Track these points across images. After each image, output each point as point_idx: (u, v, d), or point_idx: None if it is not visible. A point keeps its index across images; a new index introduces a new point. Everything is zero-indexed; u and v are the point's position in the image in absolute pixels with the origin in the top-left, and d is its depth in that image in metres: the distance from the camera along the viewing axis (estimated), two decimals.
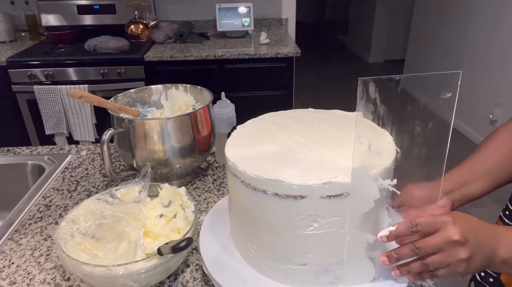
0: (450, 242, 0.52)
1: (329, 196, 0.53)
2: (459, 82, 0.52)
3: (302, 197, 0.54)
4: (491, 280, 0.78)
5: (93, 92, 2.09)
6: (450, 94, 0.54)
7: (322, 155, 0.60)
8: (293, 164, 0.57)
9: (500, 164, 0.71)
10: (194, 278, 0.70)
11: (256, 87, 2.41)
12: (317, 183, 0.52)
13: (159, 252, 0.62)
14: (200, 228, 0.73)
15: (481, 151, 0.74)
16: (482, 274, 0.80)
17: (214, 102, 1.00)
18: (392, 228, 0.55)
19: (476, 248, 0.53)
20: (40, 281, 0.70)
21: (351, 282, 0.60)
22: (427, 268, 0.54)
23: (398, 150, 0.60)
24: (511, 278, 0.75)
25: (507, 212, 0.77)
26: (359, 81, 0.51)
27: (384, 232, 0.56)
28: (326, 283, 0.61)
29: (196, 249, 0.76)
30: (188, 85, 1.02)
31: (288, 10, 2.86)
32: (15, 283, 0.70)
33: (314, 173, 0.54)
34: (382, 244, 0.59)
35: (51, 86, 2.17)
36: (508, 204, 0.77)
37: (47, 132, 2.27)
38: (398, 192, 0.56)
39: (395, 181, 0.56)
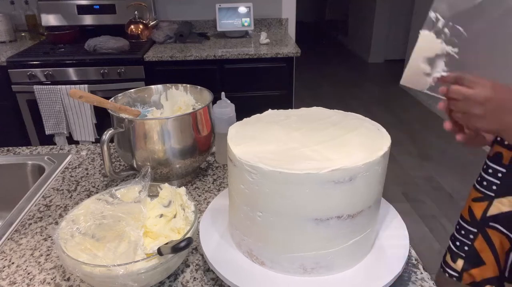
0: (472, 98, 0.63)
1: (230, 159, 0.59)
2: None
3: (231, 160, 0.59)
4: (466, 248, 0.80)
5: (93, 92, 2.09)
6: None
7: (321, 154, 0.60)
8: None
9: None
10: (194, 278, 0.70)
11: (256, 87, 2.41)
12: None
13: (159, 252, 0.62)
14: (199, 221, 0.73)
15: None
16: (457, 243, 0.82)
17: (214, 102, 1.00)
18: (444, 74, 0.68)
19: (495, 112, 0.63)
20: (40, 281, 0.70)
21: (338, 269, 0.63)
22: (452, 106, 0.66)
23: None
24: (483, 245, 0.77)
25: (479, 178, 0.81)
26: None
27: (438, 74, 0.68)
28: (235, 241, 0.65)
29: (196, 249, 0.76)
30: (188, 85, 1.02)
31: (288, 10, 2.86)
32: (15, 283, 0.70)
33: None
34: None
35: (51, 86, 2.17)
36: (482, 172, 0.81)
37: (47, 132, 2.27)
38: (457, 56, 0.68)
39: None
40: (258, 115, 0.75)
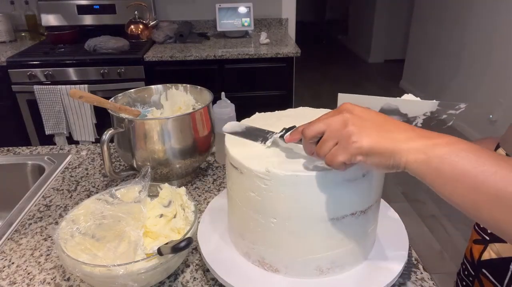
0: (339, 109, 0.51)
1: (231, 164, 0.60)
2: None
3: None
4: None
5: (93, 92, 2.09)
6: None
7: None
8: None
9: None
10: (194, 278, 0.70)
11: (256, 87, 2.41)
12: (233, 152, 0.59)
13: (159, 252, 0.62)
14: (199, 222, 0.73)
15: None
16: (464, 283, 0.80)
17: (214, 102, 1.00)
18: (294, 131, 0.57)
19: (368, 124, 0.48)
20: (40, 281, 0.70)
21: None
22: (314, 130, 0.51)
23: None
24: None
25: (463, 267, 0.78)
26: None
27: (287, 134, 0.58)
28: (237, 245, 0.65)
29: (196, 249, 0.76)
30: (188, 85, 1.02)
31: (288, 10, 2.86)
32: (15, 283, 0.70)
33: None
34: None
35: (51, 86, 2.17)
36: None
37: (47, 132, 2.27)
38: None
39: None
40: (247, 119, 0.73)
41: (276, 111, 0.77)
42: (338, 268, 0.63)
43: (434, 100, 0.60)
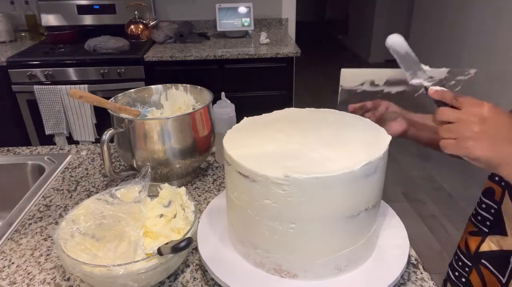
0: (466, 118, 0.54)
1: (239, 173, 0.57)
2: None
3: (229, 164, 0.58)
4: (463, 280, 0.79)
5: (93, 92, 2.09)
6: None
7: (321, 154, 0.60)
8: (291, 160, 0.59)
9: None
10: (194, 278, 0.70)
11: (256, 87, 2.41)
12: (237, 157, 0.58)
13: (159, 252, 0.62)
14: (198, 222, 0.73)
15: None
16: (456, 273, 0.80)
17: (214, 102, 1.00)
18: (445, 89, 0.59)
19: (492, 137, 0.54)
20: (40, 281, 0.70)
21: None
22: (442, 132, 0.56)
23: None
24: (478, 280, 0.75)
25: (474, 212, 0.79)
26: None
27: (437, 87, 0.59)
28: (242, 252, 0.64)
29: (196, 249, 0.76)
30: (188, 85, 1.02)
31: (288, 10, 2.86)
32: (15, 283, 0.69)
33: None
34: None
35: (51, 86, 2.17)
36: (476, 206, 0.78)
37: (47, 132, 2.27)
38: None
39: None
40: (237, 125, 0.71)
41: (264, 114, 0.75)
42: (353, 265, 0.64)
43: (444, 68, 0.60)
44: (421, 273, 0.70)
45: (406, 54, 0.63)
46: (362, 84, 0.70)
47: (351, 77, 0.71)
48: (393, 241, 0.70)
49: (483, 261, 0.73)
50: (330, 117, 0.73)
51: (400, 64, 0.63)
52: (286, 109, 0.76)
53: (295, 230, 0.58)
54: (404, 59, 0.63)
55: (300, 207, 0.57)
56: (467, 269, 0.77)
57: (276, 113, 0.75)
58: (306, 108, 0.76)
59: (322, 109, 0.76)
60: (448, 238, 2.24)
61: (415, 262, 0.72)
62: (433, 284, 0.68)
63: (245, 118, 0.73)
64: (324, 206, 0.57)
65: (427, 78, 0.62)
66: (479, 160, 0.54)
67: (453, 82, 0.61)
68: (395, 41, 0.63)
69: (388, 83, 0.65)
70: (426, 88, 0.60)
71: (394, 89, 0.68)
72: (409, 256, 0.72)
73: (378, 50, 5.39)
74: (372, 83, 0.69)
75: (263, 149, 0.63)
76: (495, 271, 0.70)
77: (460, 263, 0.79)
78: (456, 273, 0.81)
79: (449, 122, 0.55)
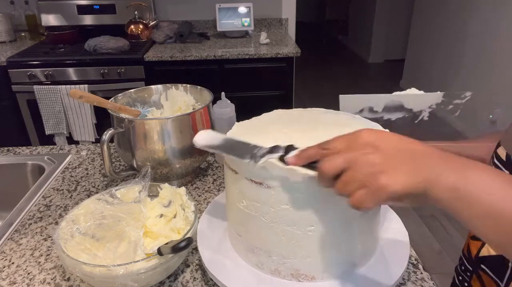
0: (356, 143, 0.45)
1: (251, 180, 0.55)
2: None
3: (236, 172, 0.56)
4: (465, 284, 0.79)
5: (93, 92, 2.09)
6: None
7: None
8: None
9: None
10: (194, 278, 0.70)
11: (256, 87, 2.41)
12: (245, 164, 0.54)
13: (159, 252, 0.62)
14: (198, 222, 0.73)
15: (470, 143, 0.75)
16: (460, 278, 0.80)
17: (214, 102, 1.00)
18: (301, 148, 0.49)
19: (394, 155, 0.43)
20: (40, 281, 0.70)
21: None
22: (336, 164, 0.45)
23: None
24: (478, 285, 0.75)
25: (460, 261, 0.78)
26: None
27: (291, 154, 0.49)
28: (253, 262, 0.63)
29: (196, 249, 0.76)
30: (188, 85, 1.02)
31: (288, 10, 2.86)
32: (15, 283, 0.70)
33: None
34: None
35: (51, 86, 2.17)
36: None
37: (47, 132, 2.27)
38: None
39: None
40: (231, 131, 0.68)
41: (253, 118, 0.71)
42: (365, 259, 0.64)
43: (438, 92, 0.59)
44: (421, 273, 0.70)
45: (225, 141, 0.57)
46: (361, 111, 0.69)
47: (350, 104, 0.70)
48: (394, 238, 0.71)
49: (482, 266, 0.72)
50: (323, 116, 0.71)
51: (230, 154, 0.56)
52: (275, 111, 0.73)
53: (314, 232, 0.57)
54: (230, 148, 0.56)
55: (320, 208, 0.56)
56: (468, 273, 0.77)
57: (266, 115, 0.72)
58: (294, 109, 0.74)
59: (309, 108, 0.73)
60: (448, 238, 2.24)
61: (415, 262, 0.72)
62: (433, 284, 0.68)
63: (236, 123, 0.71)
64: (339, 205, 0.56)
65: (267, 151, 0.52)
66: (407, 194, 0.42)
67: (451, 106, 0.60)
68: (205, 139, 0.58)
69: (387, 109, 0.65)
70: (283, 160, 0.50)
71: (394, 116, 0.67)
72: (409, 256, 0.72)
73: (378, 50, 5.40)
74: (371, 110, 0.68)
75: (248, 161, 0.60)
76: (493, 276, 0.70)
77: (463, 268, 0.79)
78: (460, 278, 0.81)
79: (338, 175, 0.45)
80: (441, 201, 0.42)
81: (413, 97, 0.61)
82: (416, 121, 0.63)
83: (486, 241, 0.43)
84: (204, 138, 0.57)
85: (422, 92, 0.61)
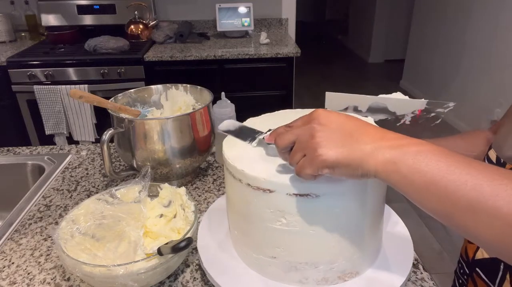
0: (304, 120, 0.50)
1: (295, 194, 0.53)
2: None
3: (270, 191, 0.54)
4: None
5: (93, 92, 2.09)
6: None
7: None
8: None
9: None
10: (194, 278, 0.70)
11: (256, 87, 2.41)
12: (284, 180, 0.53)
13: (159, 252, 0.62)
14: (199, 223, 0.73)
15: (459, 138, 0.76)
16: (460, 281, 0.80)
17: (214, 102, 1.00)
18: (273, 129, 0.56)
19: (336, 133, 0.47)
20: (40, 281, 0.70)
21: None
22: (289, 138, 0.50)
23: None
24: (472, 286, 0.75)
25: (459, 265, 0.78)
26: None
27: (269, 133, 0.58)
28: (295, 280, 0.61)
29: (196, 249, 0.76)
30: (188, 85, 1.02)
31: (288, 10, 2.86)
32: (15, 283, 0.70)
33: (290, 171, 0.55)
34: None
35: (51, 86, 2.17)
36: (460, 259, 0.78)
37: (47, 132, 2.27)
38: None
39: None
40: (227, 138, 0.68)
41: (245, 123, 0.71)
42: (374, 256, 0.64)
43: (423, 99, 0.60)
44: (421, 273, 0.70)
45: (239, 128, 0.67)
46: (346, 109, 0.70)
47: (336, 101, 0.70)
48: (396, 238, 0.71)
49: (477, 269, 0.73)
50: None
51: (237, 138, 0.64)
52: (266, 114, 0.73)
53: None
54: (240, 132, 0.66)
55: (327, 212, 0.55)
56: (465, 277, 0.77)
57: (258, 119, 0.71)
58: (287, 109, 0.73)
59: (300, 109, 0.72)
60: (448, 238, 2.24)
61: (415, 262, 0.72)
62: (433, 284, 0.68)
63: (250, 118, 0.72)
64: (360, 205, 0.57)
65: (261, 134, 0.61)
66: (340, 163, 0.46)
67: (433, 114, 0.61)
68: (226, 125, 0.67)
69: (371, 110, 0.65)
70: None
71: (376, 117, 0.67)
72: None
73: (378, 50, 5.40)
74: (356, 109, 0.69)
75: (274, 159, 0.58)
76: (486, 279, 0.70)
77: (461, 271, 0.79)
78: (460, 281, 0.81)
79: (291, 149, 0.50)
80: (380, 174, 0.45)
81: (398, 101, 0.62)
82: (398, 124, 0.64)
83: (427, 212, 0.45)
84: (226, 125, 0.67)
85: (407, 97, 0.62)
